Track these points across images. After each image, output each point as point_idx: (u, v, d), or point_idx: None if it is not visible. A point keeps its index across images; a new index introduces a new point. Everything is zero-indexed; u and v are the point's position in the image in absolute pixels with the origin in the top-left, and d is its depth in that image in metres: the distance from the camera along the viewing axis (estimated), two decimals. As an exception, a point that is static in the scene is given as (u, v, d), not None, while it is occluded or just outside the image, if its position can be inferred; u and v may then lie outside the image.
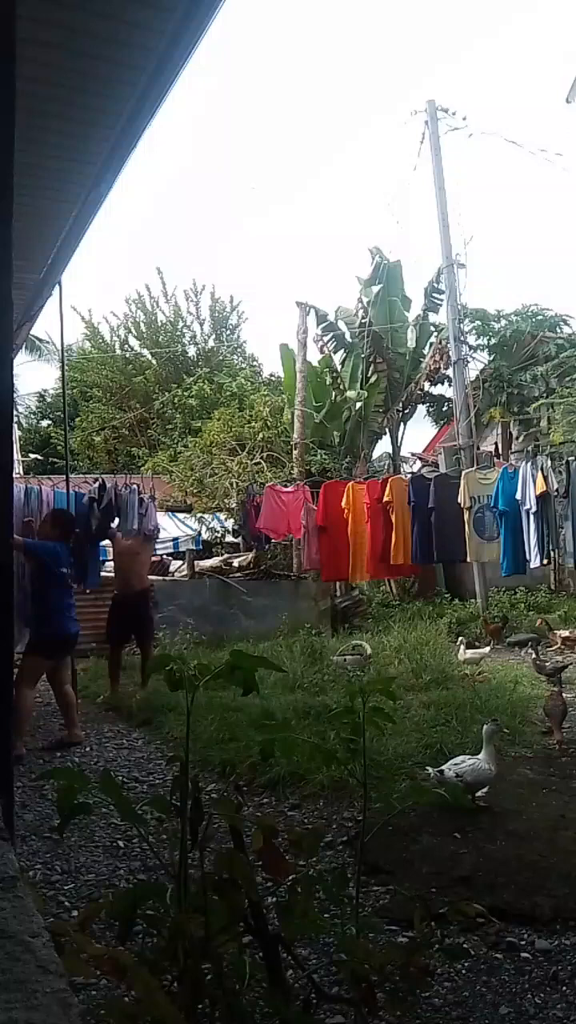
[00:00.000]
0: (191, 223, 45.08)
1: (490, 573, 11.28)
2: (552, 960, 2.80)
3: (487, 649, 8.43)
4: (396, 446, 16.39)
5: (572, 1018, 2.48)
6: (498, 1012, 2.52)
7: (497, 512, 9.21)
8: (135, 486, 9.17)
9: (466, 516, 9.45)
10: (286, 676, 6.82)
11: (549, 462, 8.94)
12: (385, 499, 9.85)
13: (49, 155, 4.23)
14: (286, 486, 11.19)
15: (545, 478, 8.64)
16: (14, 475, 3.37)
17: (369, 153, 57.08)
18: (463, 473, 9.87)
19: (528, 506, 8.83)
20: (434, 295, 14.89)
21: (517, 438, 15.98)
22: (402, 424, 16.43)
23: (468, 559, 10.02)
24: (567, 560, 9.22)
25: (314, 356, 15.27)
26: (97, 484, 8.54)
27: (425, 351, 15.48)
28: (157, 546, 12.15)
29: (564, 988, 2.64)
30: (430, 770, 4.20)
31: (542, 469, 8.70)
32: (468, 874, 3.41)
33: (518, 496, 8.95)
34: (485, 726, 4.33)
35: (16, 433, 19.01)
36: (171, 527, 13.25)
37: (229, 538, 13.50)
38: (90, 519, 8.05)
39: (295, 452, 13.23)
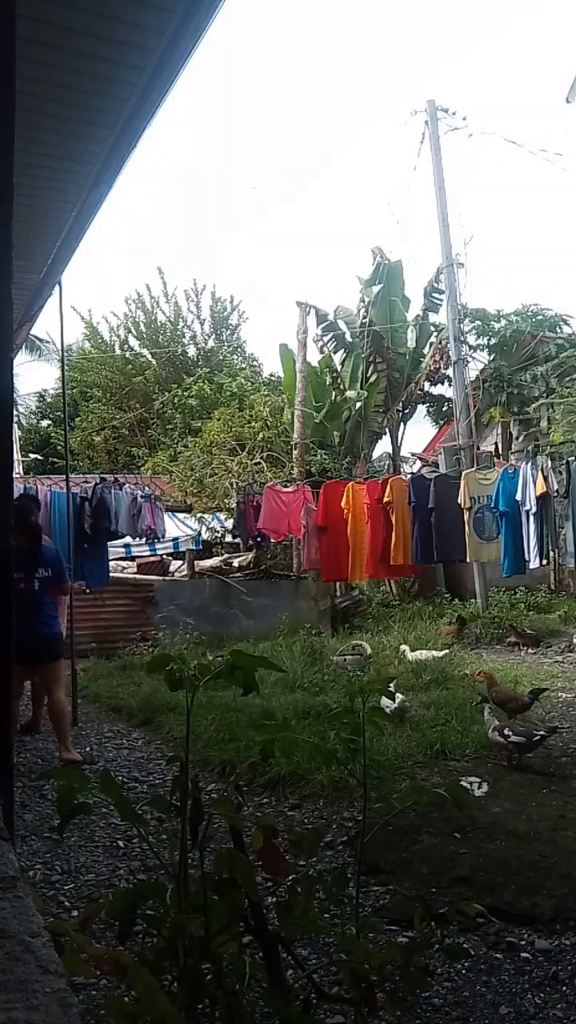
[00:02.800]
0: (191, 223, 45.12)
1: (490, 573, 11.28)
2: (552, 960, 2.80)
3: (439, 653, 7.89)
4: (396, 446, 16.40)
5: (572, 1018, 2.48)
6: (498, 1012, 2.52)
7: (497, 513, 9.22)
8: (128, 485, 9.18)
9: (466, 516, 9.46)
10: (286, 676, 6.83)
11: (549, 462, 8.94)
12: (385, 499, 9.86)
13: (49, 155, 4.23)
14: (286, 486, 11.19)
15: (545, 478, 8.64)
16: (14, 475, 3.37)
17: (369, 153, 57.18)
18: (463, 473, 9.87)
19: (528, 506, 8.84)
20: (434, 295, 14.89)
21: (517, 438, 15.98)
22: (402, 424, 16.45)
23: (468, 559, 10.03)
24: (567, 560, 9.23)
25: (314, 356, 15.29)
26: (92, 484, 8.54)
27: (425, 351, 15.49)
28: (157, 546, 12.19)
29: (564, 988, 2.64)
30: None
31: (542, 469, 8.71)
32: (468, 874, 3.41)
33: (518, 496, 8.96)
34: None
35: (16, 433, 19.03)
36: (171, 527, 13.26)
37: (229, 538, 13.50)
38: (82, 519, 8.04)
39: (295, 452, 13.23)
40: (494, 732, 4.95)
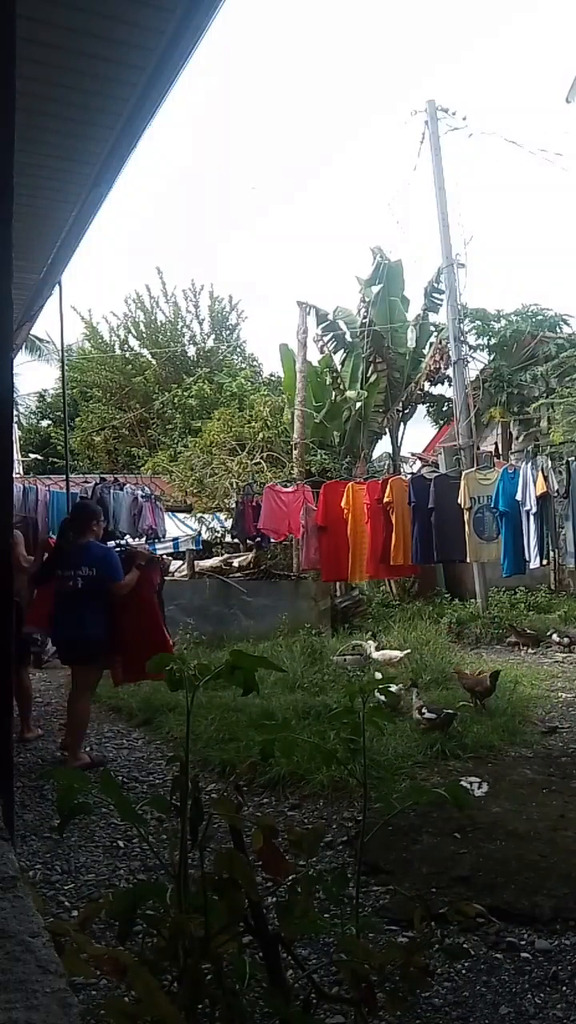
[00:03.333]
0: (191, 223, 45.13)
1: (490, 573, 11.28)
2: (552, 960, 2.80)
3: (400, 653, 7.60)
4: (396, 446, 16.40)
5: (572, 1018, 2.48)
6: (498, 1012, 2.52)
7: (497, 513, 9.23)
8: (129, 485, 9.23)
9: (466, 516, 9.45)
10: (286, 676, 6.82)
11: (549, 462, 8.95)
12: (385, 499, 9.85)
13: (49, 155, 4.24)
14: (286, 486, 11.18)
15: (546, 478, 8.65)
16: (14, 475, 3.37)
17: (369, 153, 57.20)
18: (463, 473, 9.87)
19: (528, 506, 8.84)
20: (434, 295, 14.89)
21: (517, 438, 15.98)
22: (402, 424, 16.45)
23: (468, 559, 10.02)
24: (567, 560, 9.23)
25: (314, 356, 15.28)
26: (92, 484, 8.56)
27: (425, 351, 15.49)
28: (157, 546, 12.18)
29: (564, 988, 2.64)
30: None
31: (542, 469, 8.72)
32: (468, 874, 3.41)
33: (518, 496, 8.96)
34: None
35: (16, 433, 19.02)
36: (171, 527, 13.26)
37: (229, 538, 13.50)
38: None
39: (295, 452, 13.24)
40: (416, 711, 5.43)
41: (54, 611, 5.27)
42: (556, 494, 8.79)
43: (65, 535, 5.51)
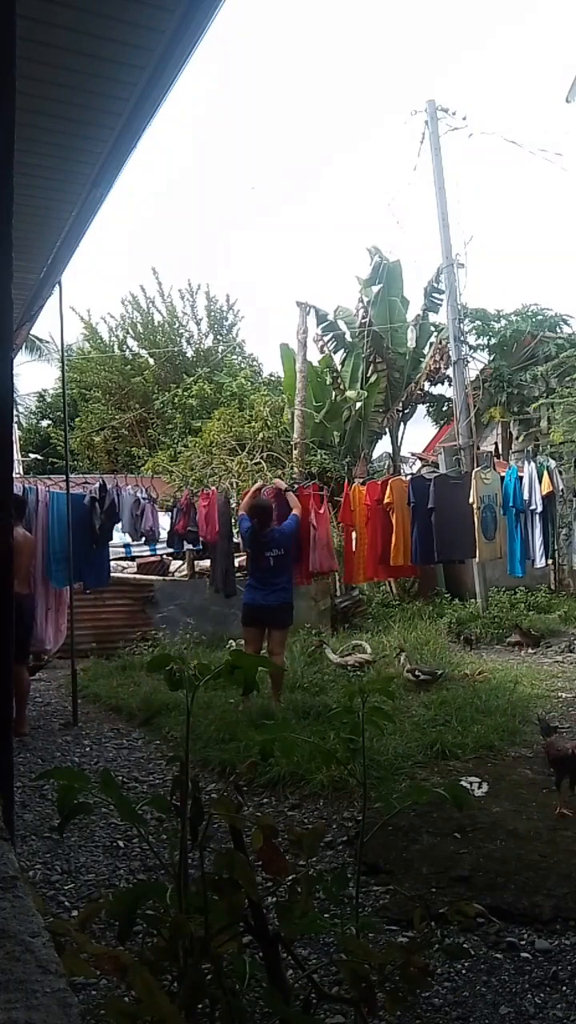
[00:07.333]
0: (191, 223, 45.15)
1: (490, 573, 11.26)
2: (552, 960, 2.80)
3: (362, 657, 7.54)
4: (396, 446, 16.41)
5: (572, 1018, 2.48)
6: (498, 1012, 2.52)
7: (504, 511, 9.26)
8: (130, 487, 9.25)
9: (476, 516, 9.45)
10: (286, 676, 6.83)
11: (553, 463, 9.00)
12: (385, 500, 9.85)
13: (49, 155, 4.23)
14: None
15: (551, 479, 8.69)
16: (14, 475, 3.37)
17: (370, 153, 57.17)
18: (473, 472, 9.87)
19: (535, 506, 8.88)
20: (434, 295, 14.90)
21: (517, 438, 15.98)
22: (402, 424, 16.46)
23: (477, 559, 10.00)
24: (572, 560, 9.26)
25: (314, 356, 15.29)
26: (97, 485, 8.56)
27: (425, 351, 15.51)
28: (157, 547, 12.17)
29: (564, 988, 2.64)
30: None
31: (548, 470, 8.76)
32: (468, 874, 3.41)
33: (525, 496, 9.00)
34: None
35: (16, 433, 19.02)
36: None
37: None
38: (92, 520, 8.06)
39: (295, 452, 13.24)
40: (407, 673, 6.99)
41: (258, 580, 6.62)
42: (562, 494, 8.83)
43: (254, 527, 6.78)
